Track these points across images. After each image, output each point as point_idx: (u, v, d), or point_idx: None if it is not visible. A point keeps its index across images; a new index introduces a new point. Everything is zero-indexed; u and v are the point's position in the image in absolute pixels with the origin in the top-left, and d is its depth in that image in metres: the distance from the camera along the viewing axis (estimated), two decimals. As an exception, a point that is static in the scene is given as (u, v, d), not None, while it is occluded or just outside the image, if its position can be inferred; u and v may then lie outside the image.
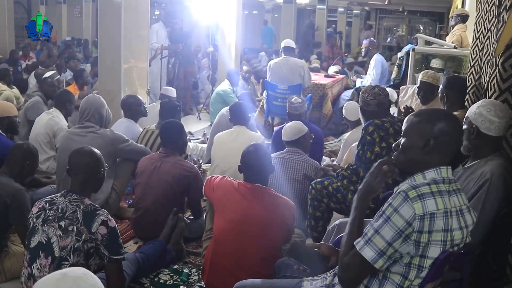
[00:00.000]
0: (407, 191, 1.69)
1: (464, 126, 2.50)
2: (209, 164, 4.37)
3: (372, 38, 7.98)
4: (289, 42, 6.31)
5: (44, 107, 4.97)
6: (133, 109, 4.64)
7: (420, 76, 4.20)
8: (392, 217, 1.68)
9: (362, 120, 3.28)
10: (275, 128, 5.06)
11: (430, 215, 1.67)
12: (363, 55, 7.84)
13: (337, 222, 2.78)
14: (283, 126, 3.98)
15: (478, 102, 2.46)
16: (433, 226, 1.67)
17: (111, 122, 3.99)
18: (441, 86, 3.40)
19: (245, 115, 4.20)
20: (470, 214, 1.81)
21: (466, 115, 2.48)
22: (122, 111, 5.03)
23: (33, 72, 7.45)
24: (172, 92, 5.97)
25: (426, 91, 4.10)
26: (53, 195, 2.40)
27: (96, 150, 2.48)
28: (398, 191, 1.73)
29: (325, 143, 5.48)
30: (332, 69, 8.60)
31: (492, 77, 2.65)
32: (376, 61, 7.02)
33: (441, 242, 1.69)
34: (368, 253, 1.70)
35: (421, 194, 1.68)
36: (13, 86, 6.59)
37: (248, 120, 4.23)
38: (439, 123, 1.77)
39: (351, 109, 4.73)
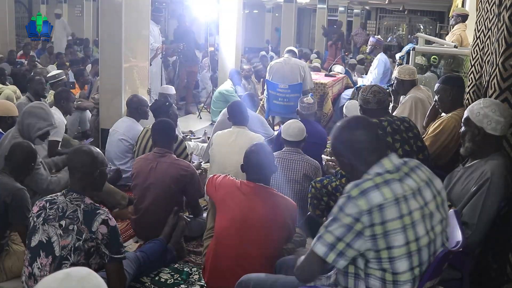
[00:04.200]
0: (350, 190, 1.76)
1: (464, 128, 2.48)
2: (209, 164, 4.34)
3: (379, 37, 7.98)
4: (293, 48, 6.62)
5: None
6: (138, 108, 4.65)
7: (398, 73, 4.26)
8: (339, 216, 1.75)
9: None
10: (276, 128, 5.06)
11: (379, 207, 1.71)
12: (368, 52, 7.85)
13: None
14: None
15: (478, 102, 2.44)
16: (385, 216, 1.71)
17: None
18: (442, 85, 3.39)
19: (244, 114, 4.12)
20: (430, 188, 1.83)
21: (467, 117, 2.45)
22: (122, 110, 5.05)
23: (33, 71, 7.47)
24: (170, 89, 5.98)
25: (398, 87, 4.27)
26: (54, 194, 2.40)
27: (94, 149, 2.46)
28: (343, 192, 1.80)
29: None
30: (337, 69, 8.59)
31: (492, 76, 2.65)
32: (380, 60, 7.02)
33: (401, 228, 1.72)
34: (320, 249, 1.76)
35: (363, 190, 1.73)
36: (8, 84, 6.59)
37: (247, 119, 4.15)
38: (343, 137, 1.91)
39: (352, 107, 4.72)
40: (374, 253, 1.73)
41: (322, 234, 1.78)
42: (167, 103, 4.54)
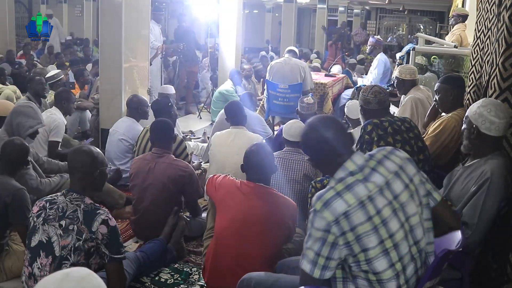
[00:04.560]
0: (314, 204, 1.77)
1: (464, 126, 2.50)
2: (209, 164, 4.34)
3: (379, 37, 7.98)
4: (293, 48, 6.62)
5: None
6: (138, 109, 4.65)
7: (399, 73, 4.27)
8: (312, 231, 1.77)
9: (361, 119, 3.28)
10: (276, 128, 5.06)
11: (344, 215, 1.72)
12: (368, 52, 7.86)
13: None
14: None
15: (479, 101, 2.45)
16: (353, 222, 1.72)
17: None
18: (443, 85, 3.39)
19: (241, 114, 4.10)
20: (401, 178, 1.82)
21: (466, 115, 2.48)
22: (122, 110, 5.05)
23: (32, 71, 7.47)
24: (170, 89, 5.98)
25: (399, 86, 4.29)
26: (54, 194, 2.40)
27: (95, 149, 2.46)
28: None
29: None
30: (334, 69, 8.60)
31: (492, 76, 2.65)
32: (380, 60, 7.02)
33: (372, 229, 1.72)
34: (306, 267, 1.79)
35: (325, 202, 1.74)
36: (8, 84, 6.59)
37: (245, 119, 4.13)
38: (307, 138, 1.94)
39: (353, 107, 4.72)
40: (352, 258, 1.75)
41: (304, 252, 1.80)
42: (169, 103, 4.54)
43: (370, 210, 1.73)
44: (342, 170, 1.83)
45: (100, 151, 2.49)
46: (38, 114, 3.79)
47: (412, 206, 1.81)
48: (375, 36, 7.97)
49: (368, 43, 7.80)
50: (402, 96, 4.46)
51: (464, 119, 2.52)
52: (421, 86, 4.35)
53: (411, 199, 1.81)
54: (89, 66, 8.99)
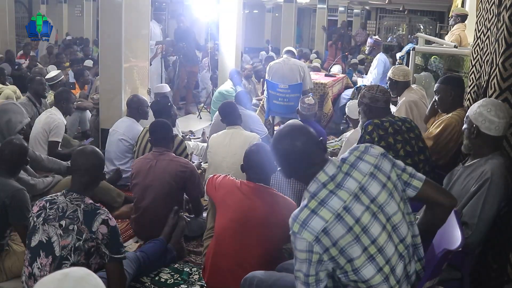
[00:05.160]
0: (292, 226, 1.74)
1: (465, 125, 2.50)
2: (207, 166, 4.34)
3: (377, 37, 7.99)
4: (291, 48, 6.53)
5: (28, 108, 4.96)
6: (138, 109, 4.65)
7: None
8: (296, 254, 1.74)
9: (362, 118, 3.27)
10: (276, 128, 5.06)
11: (323, 232, 1.69)
12: (367, 53, 7.85)
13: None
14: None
15: (479, 101, 2.46)
16: (334, 237, 1.69)
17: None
18: (443, 85, 3.39)
19: (235, 114, 4.11)
20: (377, 179, 1.77)
21: (467, 114, 2.49)
22: (122, 110, 5.05)
23: (32, 70, 7.47)
24: (166, 88, 5.98)
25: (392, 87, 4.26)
26: (54, 194, 2.40)
27: (99, 150, 2.49)
28: None
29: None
30: (334, 69, 8.60)
31: (492, 76, 2.65)
32: (379, 60, 7.02)
33: (354, 239, 1.70)
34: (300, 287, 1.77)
35: (302, 223, 1.71)
36: (8, 84, 6.59)
37: (240, 118, 4.12)
38: (276, 149, 1.86)
39: (353, 107, 4.72)
40: (340, 270, 1.73)
41: (295, 274, 1.78)
42: (169, 104, 4.55)
43: (348, 221, 1.70)
44: (315, 183, 1.78)
45: (101, 151, 2.51)
46: (23, 109, 3.82)
47: (393, 205, 1.77)
48: (373, 37, 7.98)
49: (367, 44, 7.81)
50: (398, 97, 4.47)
51: (465, 118, 2.52)
52: (414, 86, 4.35)
53: (391, 197, 1.78)
54: (88, 62, 8.95)
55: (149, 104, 4.83)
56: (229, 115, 4.11)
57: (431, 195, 1.88)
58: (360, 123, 3.29)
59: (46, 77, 5.94)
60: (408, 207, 1.85)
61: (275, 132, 5.28)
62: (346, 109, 4.93)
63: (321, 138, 1.88)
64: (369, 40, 7.71)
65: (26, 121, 3.77)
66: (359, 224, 1.71)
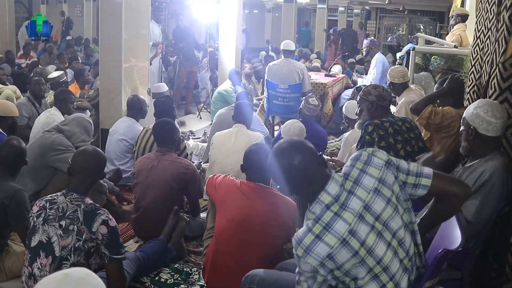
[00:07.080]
0: (296, 249, 1.71)
1: (462, 127, 2.50)
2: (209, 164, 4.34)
3: (372, 38, 8.00)
4: (289, 45, 6.21)
5: (27, 108, 4.96)
6: (138, 108, 4.65)
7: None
8: (301, 270, 1.75)
9: (364, 117, 3.22)
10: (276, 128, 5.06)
11: (328, 257, 1.67)
12: (364, 54, 7.85)
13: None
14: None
15: (475, 102, 2.46)
16: (339, 261, 1.67)
17: None
18: (442, 85, 3.40)
19: (248, 116, 4.14)
20: (381, 194, 1.72)
21: (463, 116, 2.48)
22: (122, 110, 5.05)
23: (33, 70, 7.45)
24: (163, 87, 5.98)
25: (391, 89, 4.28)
26: (54, 194, 2.40)
27: (100, 151, 2.49)
28: None
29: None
30: (334, 69, 8.59)
31: (492, 76, 2.65)
32: (377, 60, 7.03)
33: (359, 262, 1.68)
34: None
35: (306, 248, 1.68)
36: (8, 84, 6.59)
37: (250, 122, 4.16)
38: (275, 167, 1.83)
39: (352, 107, 4.73)
40: (343, 285, 1.73)
41: (299, 279, 1.78)
42: (173, 104, 4.55)
43: (354, 245, 1.67)
44: (318, 204, 1.74)
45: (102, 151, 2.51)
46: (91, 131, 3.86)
47: (397, 219, 1.73)
48: (368, 38, 7.99)
49: (363, 45, 7.82)
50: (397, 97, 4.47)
51: (461, 120, 2.51)
52: (412, 86, 4.35)
53: (395, 211, 1.74)
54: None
55: (150, 104, 4.83)
56: (243, 114, 4.11)
57: (443, 187, 1.82)
58: (360, 121, 3.27)
59: (48, 77, 5.95)
60: (412, 215, 1.81)
61: (275, 132, 5.28)
62: (344, 109, 4.93)
63: (320, 153, 1.84)
64: (365, 41, 7.73)
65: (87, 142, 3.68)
66: (364, 246, 1.68)
